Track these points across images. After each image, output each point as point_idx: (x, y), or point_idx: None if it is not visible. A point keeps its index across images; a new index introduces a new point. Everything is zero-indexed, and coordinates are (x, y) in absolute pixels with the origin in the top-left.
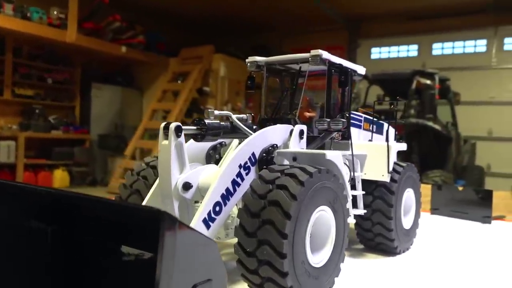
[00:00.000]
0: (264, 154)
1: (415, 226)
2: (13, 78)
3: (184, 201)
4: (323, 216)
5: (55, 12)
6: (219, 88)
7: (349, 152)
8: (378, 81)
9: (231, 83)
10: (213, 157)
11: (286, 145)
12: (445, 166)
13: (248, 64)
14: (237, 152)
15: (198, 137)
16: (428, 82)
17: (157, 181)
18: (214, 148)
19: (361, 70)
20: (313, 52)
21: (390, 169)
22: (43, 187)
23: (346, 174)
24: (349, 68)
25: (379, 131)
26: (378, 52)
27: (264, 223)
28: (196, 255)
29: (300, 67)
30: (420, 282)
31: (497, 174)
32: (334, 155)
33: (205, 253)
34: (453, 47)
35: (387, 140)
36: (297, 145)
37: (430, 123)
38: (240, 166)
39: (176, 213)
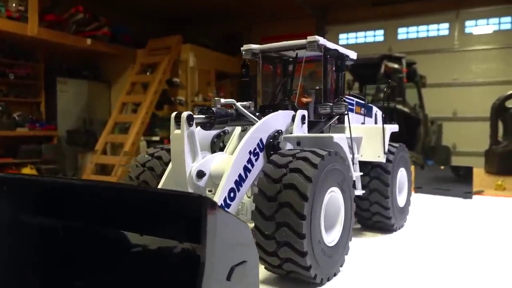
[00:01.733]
0: (271, 140)
1: (408, 204)
2: None
3: (198, 190)
4: (333, 196)
5: (13, 5)
6: (189, 78)
7: (345, 135)
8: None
9: (201, 73)
10: (217, 145)
11: (288, 130)
12: (415, 147)
13: (244, 52)
14: (246, 139)
15: (207, 126)
16: (396, 66)
17: (167, 171)
18: (218, 136)
19: (353, 55)
20: (310, 38)
21: (386, 150)
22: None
23: (349, 155)
24: (344, 53)
25: (368, 114)
26: (345, 38)
27: (282, 206)
28: (232, 237)
29: (297, 54)
30: (420, 255)
31: (463, 153)
32: (340, 138)
33: (240, 235)
34: (417, 31)
35: (376, 122)
36: (300, 130)
37: (400, 106)
38: (250, 153)
39: None
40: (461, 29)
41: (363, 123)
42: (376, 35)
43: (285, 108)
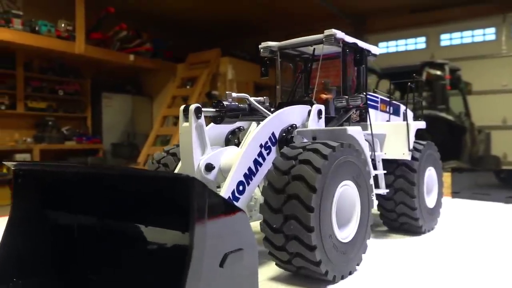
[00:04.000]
0: (284, 134)
1: (439, 205)
2: (25, 92)
3: (207, 183)
4: (347, 191)
5: (62, 25)
6: (228, 91)
7: (368, 132)
8: (387, 75)
9: (239, 85)
10: (232, 141)
11: (304, 125)
12: (460, 156)
13: (262, 49)
14: (257, 132)
15: (217, 119)
16: (438, 73)
17: (178, 165)
18: (233, 132)
19: (375, 50)
20: (327, 32)
21: (411, 147)
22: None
23: (367, 150)
24: (364, 47)
25: (396, 113)
26: (385, 47)
27: (290, 198)
28: (226, 223)
29: (314, 49)
30: (448, 260)
31: None
32: (355, 130)
33: (235, 222)
34: (461, 37)
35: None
36: (316, 124)
37: (443, 114)
38: (261, 146)
39: None
40: (508, 33)
41: (388, 121)
42: (417, 43)
43: (305, 104)
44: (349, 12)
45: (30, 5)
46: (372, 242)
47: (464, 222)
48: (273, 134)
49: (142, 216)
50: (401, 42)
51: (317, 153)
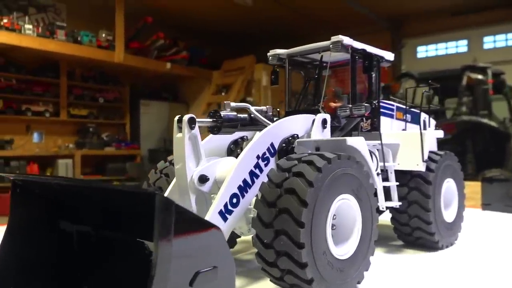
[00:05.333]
0: (284, 145)
1: (459, 219)
2: (68, 100)
3: (201, 195)
4: (346, 205)
5: (103, 35)
6: (263, 97)
7: (379, 142)
8: (426, 80)
9: (274, 92)
10: (235, 151)
11: (309, 135)
12: (504, 164)
13: (270, 57)
14: (253, 143)
15: (214, 130)
16: (480, 77)
17: (175, 177)
18: (235, 142)
19: (389, 56)
20: (334, 38)
21: (425, 157)
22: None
23: (374, 162)
24: (374, 53)
25: (415, 121)
26: (424, 51)
27: (281, 212)
28: (198, 240)
29: (322, 56)
30: (462, 279)
31: None
32: (356, 141)
33: (208, 239)
34: (506, 39)
35: (424, 129)
36: (320, 135)
37: (485, 120)
38: (258, 157)
39: (193, 206)
40: None
41: (404, 130)
42: (458, 46)
43: (311, 113)
44: (386, 16)
45: (73, 16)
46: (383, 257)
47: (491, 238)
48: (272, 144)
49: (125, 228)
50: (441, 45)
51: (311, 165)
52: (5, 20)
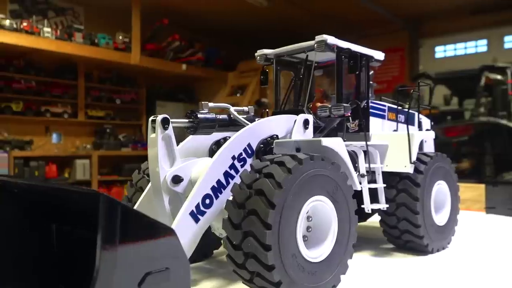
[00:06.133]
0: (262, 145)
1: (452, 222)
2: (85, 101)
3: (176, 196)
4: (320, 207)
5: (120, 37)
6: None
7: (368, 143)
8: (443, 80)
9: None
10: (216, 152)
11: (291, 136)
12: None
13: (258, 57)
14: (229, 143)
15: (190, 130)
16: (499, 77)
17: None
18: (217, 143)
19: (378, 55)
20: (318, 37)
21: (413, 159)
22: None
23: (360, 163)
24: (359, 53)
25: (410, 121)
26: (442, 51)
27: (249, 214)
28: (149, 243)
29: (307, 56)
30: (448, 284)
31: None
32: (332, 142)
33: (161, 241)
34: None
35: (420, 130)
36: (301, 135)
37: (504, 121)
38: (233, 158)
39: (166, 207)
40: None
41: (395, 131)
42: (478, 46)
43: (296, 113)
44: (403, 15)
45: (90, 19)
46: (370, 261)
47: (490, 242)
48: (249, 145)
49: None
50: (460, 45)
51: (282, 166)
52: (24, 24)
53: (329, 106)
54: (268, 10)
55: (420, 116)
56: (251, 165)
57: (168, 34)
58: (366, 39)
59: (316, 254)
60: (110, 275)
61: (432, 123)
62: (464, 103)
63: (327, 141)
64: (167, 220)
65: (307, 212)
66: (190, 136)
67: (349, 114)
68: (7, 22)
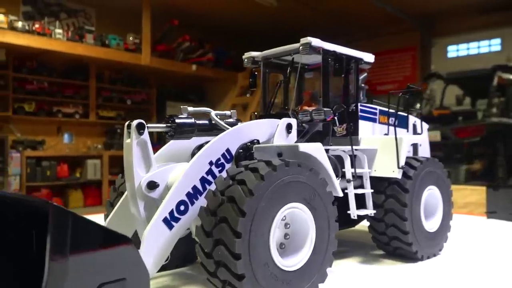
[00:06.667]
0: (241, 150)
1: (445, 229)
2: (97, 102)
3: (152, 201)
4: (296, 214)
5: (130, 38)
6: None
7: (356, 147)
8: (455, 80)
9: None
10: None
11: (272, 140)
12: None
13: (245, 60)
14: (206, 149)
15: (169, 135)
16: None
17: None
18: (200, 147)
19: (368, 57)
20: (303, 40)
21: (401, 164)
22: None
23: (347, 168)
24: (347, 55)
25: (403, 124)
26: (455, 50)
27: (220, 222)
28: (104, 252)
29: (293, 58)
30: None
31: None
32: (310, 148)
33: (117, 250)
34: None
35: (414, 133)
36: (284, 140)
37: None
38: (211, 163)
39: (141, 213)
40: None
41: (386, 134)
42: (491, 45)
43: (283, 117)
44: (415, 14)
45: (102, 20)
46: (356, 268)
47: (485, 248)
48: (228, 150)
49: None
50: (473, 44)
51: (255, 173)
52: (36, 25)
53: (310, 110)
54: (278, 10)
55: (416, 119)
56: (226, 171)
57: (178, 35)
58: (377, 39)
59: (292, 262)
60: (60, 286)
61: (428, 126)
62: (477, 104)
63: (304, 147)
64: (142, 227)
65: (285, 219)
66: (172, 141)
67: (332, 118)
68: (19, 24)
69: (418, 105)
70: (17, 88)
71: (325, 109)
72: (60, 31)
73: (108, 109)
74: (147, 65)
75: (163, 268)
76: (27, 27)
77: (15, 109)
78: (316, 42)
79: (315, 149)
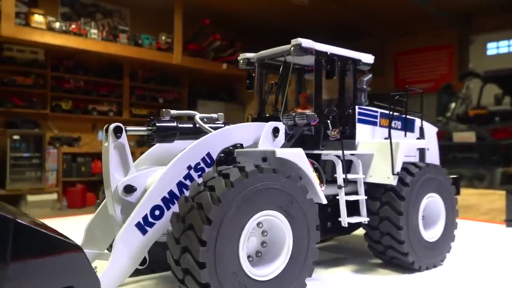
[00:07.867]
0: (223, 155)
1: (447, 238)
2: (130, 100)
3: (129, 205)
4: (270, 222)
5: (163, 37)
6: None
7: (351, 152)
8: (493, 79)
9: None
10: None
11: (258, 144)
12: None
13: (240, 61)
14: (184, 153)
15: (149, 139)
16: None
17: None
18: None
19: (367, 59)
20: (293, 41)
21: (397, 170)
22: None
23: (338, 173)
24: (341, 56)
25: (409, 128)
26: (495, 47)
27: (188, 229)
28: (49, 259)
29: (285, 60)
30: None
31: None
32: (288, 153)
33: (64, 257)
34: None
35: (421, 138)
36: (270, 144)
37: None
38: (189, 168)
39: (118, 217)
40: None
41: (386, 138)
42: None
43: (276, 120)
44: (452, 11)
45: (135, 20)
46: (349, 277)
47: (494, 260)
48: (208, 154)
49: None
50: None
51: (226, 179)
52: (73, 26)
53: (293, 114)
54: (309, 8)
55: (424, 122)
56: (203, 176)
57: (210, 34)
58: (413, 36)
59: (267, 271)
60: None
61: (437, 129)
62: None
63: (282, 152)
64: (118, 230)
65: (262, 227)
66: (157, 144)
67: (318, 123)
68: (57, 25)
69: (453, 105)
70: (55, 86)
71: (308, 113)
72: (95, 31)
73: (141, 107)
74: (178, 64)
75: (138, 273)
76: (64, 28)
77: (52, 107)
78: (306, 43)
79: (294, 155)
